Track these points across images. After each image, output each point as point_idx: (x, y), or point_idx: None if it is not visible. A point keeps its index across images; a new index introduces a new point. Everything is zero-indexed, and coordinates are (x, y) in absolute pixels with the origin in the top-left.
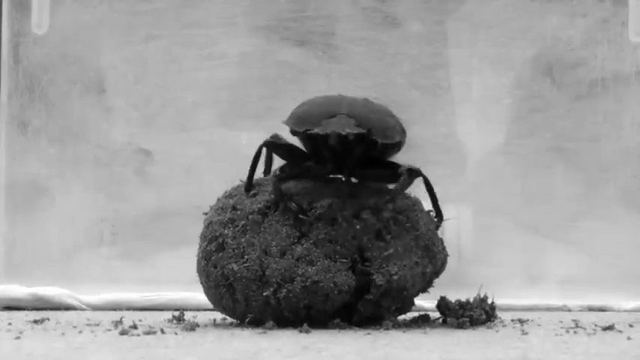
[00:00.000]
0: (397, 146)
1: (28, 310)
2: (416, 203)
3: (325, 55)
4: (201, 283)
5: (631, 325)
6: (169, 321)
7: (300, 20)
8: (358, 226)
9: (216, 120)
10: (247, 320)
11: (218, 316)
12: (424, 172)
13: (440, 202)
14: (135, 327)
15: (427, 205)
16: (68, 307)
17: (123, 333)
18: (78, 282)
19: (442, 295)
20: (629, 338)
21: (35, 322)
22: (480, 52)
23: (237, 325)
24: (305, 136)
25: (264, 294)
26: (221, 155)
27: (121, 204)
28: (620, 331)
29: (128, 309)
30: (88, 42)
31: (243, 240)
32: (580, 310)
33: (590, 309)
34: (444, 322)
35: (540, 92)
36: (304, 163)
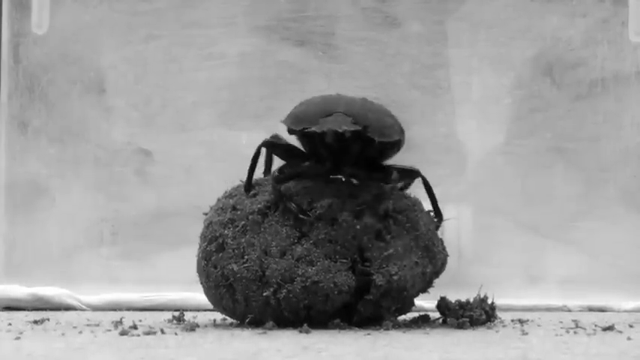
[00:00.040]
0: (396, 145)
1: (28, 310)
2: (416, 203)
3: (325, 55)
4: (201, 283)
5: (631, 326)
6: (169, 321)
7: (300, 20)
8: (358, 226)
9: (216, 120)
10: (247, 320)
11: (218, 316)
12: (424, 172)
13: (440, 202)
14: (135, 327)
15: (427, 205)
16: (68, 308)
17: (123, 333)
18: (78, 282)
19: (442, 295)
20: (629, 338)
21: (35, 322)
22: (480, 52)
23: (237, 326)
24: (302, 135)
25: (264, 294)
26: (221, 155)
27: (121, 204)
28: (620, 332)
29: (128, 309)
30: (88, 42)
31: (243, 240)
32: (580, 311)
33: (590, 309)
34: (444, 322)
35: (540, 92)
36: (303, 163)
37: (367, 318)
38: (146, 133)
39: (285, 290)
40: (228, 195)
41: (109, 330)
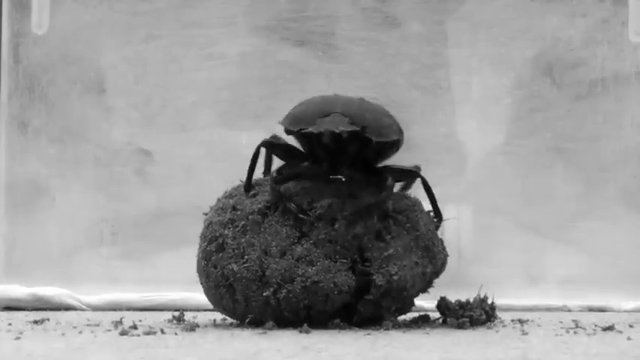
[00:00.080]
0: (395, 145)
1: (28, 310)
2: (416, 203)
3: (325, 55)
4: (201, 283)
5: (631, 326)
6: (169, 321)
7: (300, 20)
8: (358, 226)
9: (216, 120)
10: (247, 320)
11: (218, 316)
12: (424, 172)
13: (440, 202)
14: (135, 327)
15: (427, 205)
16: (68, 308)
17: (123, 333)
18: (78, 282)
19: (442, 295)
20: (629, 338)
21: (35, 322)
22: (480, 52)
23: (237, 326)
24: (299, 136)
25: (264, 294)
26: (221, 155)
27: (121, 204)
28: (620, 332)
29: (128, 309)
30: (88, 42)
31: (243, 240)
32: (580, 311)
33: (590, 309)
34: (444, 322)
35: (540, 92)
36: (302, 163)
37: (367, 318)
38: (146, 133)
39: (285, 290)
40: (228, 195)
41: (109, 330)
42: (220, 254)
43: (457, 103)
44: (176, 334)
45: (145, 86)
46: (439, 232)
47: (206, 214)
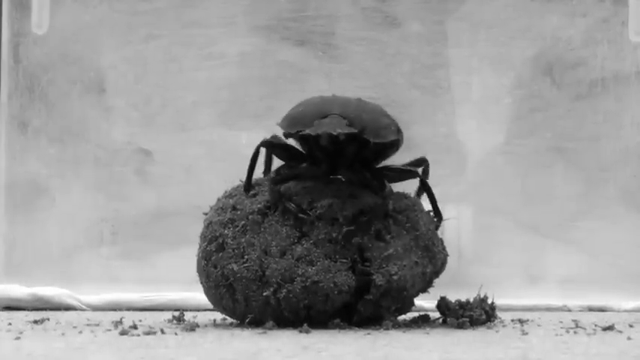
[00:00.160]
0: (394, 146)
1: (28, 310)
2: (416, 203)
3: (325, 55)
4: (201, 283)
5: (631, 325)
6: (169, 321)
7: (300, 20)
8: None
9: (216, 120)
10: (247, 320)
11: (218, 316)
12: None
13: (440, 202)
14: (135, 327)
15: (427, 205)
16: (68, 308)
17: (123, 333)
18: (78, 282)
19: (442, 295)
20: (629, 338)
21: (35, 322)
22: (480, 52)
23: (237, 326)
24: (297, 138)
25: (264, 294)
26: (221, 155)
27: (121, 204)
28: (620, 331)
29: (128, 309)
30: (88, 42)
31: (243, 240)
32: (580, 310)
33: (590, 309)
34: (444, 322)
35: (540, 92)
36: (302, 163)
37: (367, 318)
38: (146, 132)
39: (285, 290)
40: (228, 195)
41: (109, 330)
42: (220, 254)
43: (457, 103)
44: (176, 334)
45: (144, 86)
46: (439, 232)
47: (206, 214)
